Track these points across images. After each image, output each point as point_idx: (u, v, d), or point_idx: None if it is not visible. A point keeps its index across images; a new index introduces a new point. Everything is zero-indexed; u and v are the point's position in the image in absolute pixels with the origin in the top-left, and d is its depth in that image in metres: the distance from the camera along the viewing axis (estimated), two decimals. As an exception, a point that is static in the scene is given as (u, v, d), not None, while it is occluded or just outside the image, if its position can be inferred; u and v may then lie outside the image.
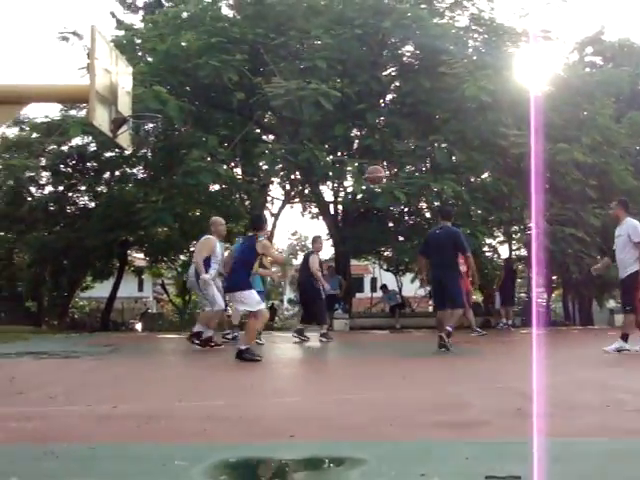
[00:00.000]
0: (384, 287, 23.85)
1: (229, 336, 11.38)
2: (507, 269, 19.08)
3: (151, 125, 12.69)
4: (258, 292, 10.90)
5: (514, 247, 24.34)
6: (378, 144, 17.93)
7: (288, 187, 22.79)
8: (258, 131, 21.15)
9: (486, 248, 20.65)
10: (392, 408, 4.80)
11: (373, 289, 33.98)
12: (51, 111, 26.09)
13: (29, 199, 22.45)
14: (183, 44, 17.83)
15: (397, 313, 21.06)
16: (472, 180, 19.94)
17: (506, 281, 18.55)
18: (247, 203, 20.85)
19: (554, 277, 24.33)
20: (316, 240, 13.12)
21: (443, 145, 18.04)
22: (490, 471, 2.92)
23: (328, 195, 21.48)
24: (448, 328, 9.42)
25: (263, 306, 8.91)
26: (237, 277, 8.81)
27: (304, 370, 7.60)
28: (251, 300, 8.60)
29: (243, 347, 8.35)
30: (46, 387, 5.96)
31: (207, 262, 10.13)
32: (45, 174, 22.21)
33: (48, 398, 5.21)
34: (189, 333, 10.48)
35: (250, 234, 9.32)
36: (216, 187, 19.81)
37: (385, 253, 24.00)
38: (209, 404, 5.02)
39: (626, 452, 3.43)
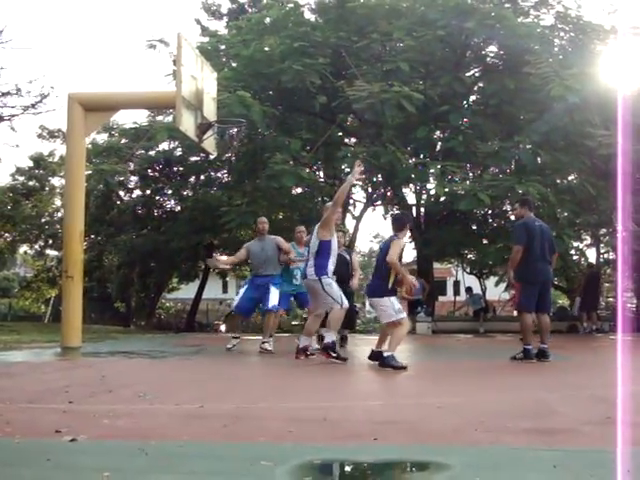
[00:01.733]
0: (469, 290, 23.59)
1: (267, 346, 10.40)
2: (589, 274, 18.77)
3: (235, 130, 12.88)
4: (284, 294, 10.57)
5: (602, 250, 23.77)
6: (461, 146, 17.77)
7: (370, 190, 22.80)
8: (340, 134, 21.23)
9: (573, 251, 20.19)
10: (477, 413, 4.75)
11: (456, 292, 33.68)
12: (139, 117, 26.88)
13: (118, 203, 23.18)
14: (266, 49, 18.08)
15: (481, 317, 20.82)
16: (558, 182, 19.54)
17: (588, 286, 18.25)
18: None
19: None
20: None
21: (528, 146, 17.73)
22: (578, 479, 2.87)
23: (410, 198, 21.41)
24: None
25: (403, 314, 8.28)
26: (372, 282, 8.63)
27: (386, 373, 7.59)
28: (392, 308, 8.11)
29: (387, 354, 7.93)
30: (135, 385, 6.13)
31: (325, 251, 8.84)
32: (133, 178, 22.89)
33: (137, 396, 5.34)
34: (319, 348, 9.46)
35: (392, 234, 8.71)
36: (299, 190, 19.99)
37: (468, 256, 23.78)
38: (293, 405, 5.07)
39: None
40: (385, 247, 8.38)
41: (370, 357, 8.34)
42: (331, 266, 8.73)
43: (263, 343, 10.26)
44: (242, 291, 10.67)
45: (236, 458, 3.39)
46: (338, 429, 4.16)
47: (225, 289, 43.86)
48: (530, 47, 17.68)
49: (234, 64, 19.48)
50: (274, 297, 10.27)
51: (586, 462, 3.35)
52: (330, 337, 8.61)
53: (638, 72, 18.17)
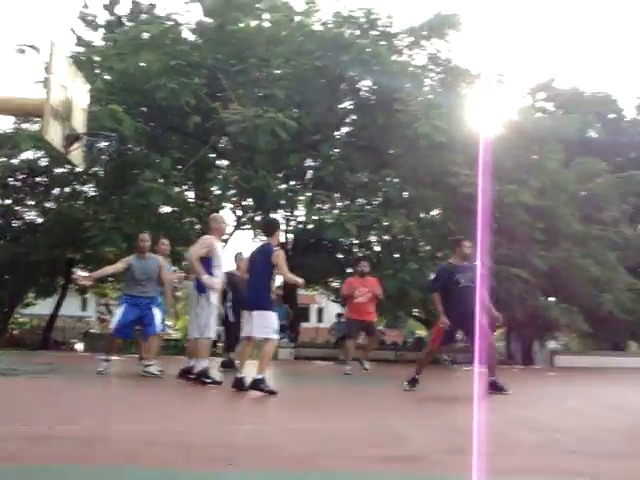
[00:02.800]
0: (340, 315, 24.00)
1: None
2: None
3: (105, 143, 12.55)
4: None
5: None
6: (331, 176, 18.07)
7: (240, 213, 22.78)
8: (212, 156, 21.13)
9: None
10: (330, 438, 4.82)
11: (319, 319, 34.02)
12: (3, 123, 25.79)
13: (-25, 212, 22.06)
14: (142, 64, 17.82)
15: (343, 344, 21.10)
16: (422, 216, 20.18)
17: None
18: (197, 227, 20.75)
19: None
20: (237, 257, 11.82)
21: (395, 180, 18.28)
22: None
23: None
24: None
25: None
26: (258, 294, 8.03)
27: (245, 399, 7.57)
28: (271, 324, 7.91)
29: (259, 377, 7.72)
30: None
31: (205, 268, 8.60)
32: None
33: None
34: (179, 371, 9.24)
35: (264, 243, 8.47)
36: (167, 209, 19.71)
37: (333, 284, 24.08)
38: (147, 428, 4.96)
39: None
40: (262, 256, 8.13)
41: (236, 385, 7.99)
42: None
43: (147, 366, 9.92)
44: (120, 312, 9.86)
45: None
46: (192, 453, 4.11)
47: (84, 307, 42.57)
48: (402, 85, 18.26)
49: (108, 77, 19.05)
50: (158, 319, 9.98)
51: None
52: (201, 364, 8.60)
53: (501, 116, 19.16)
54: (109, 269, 10.75)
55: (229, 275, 11.06)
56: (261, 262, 8.11)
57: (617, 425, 6.40)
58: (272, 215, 20.65)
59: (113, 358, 9.92)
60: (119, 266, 10.29)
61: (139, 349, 10.94)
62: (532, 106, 26.74)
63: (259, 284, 8.08)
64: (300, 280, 8.48)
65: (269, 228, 8.59)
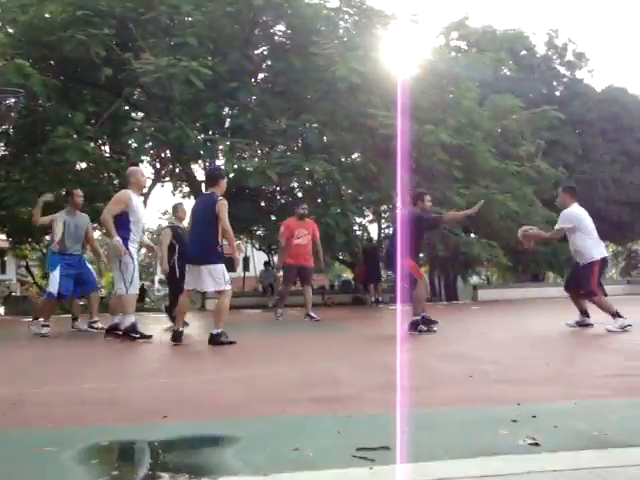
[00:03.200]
0: (267, 264, 24.20)
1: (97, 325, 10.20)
2: (367, 249, 19.99)
3: (13, 100, 12.13)
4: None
5: (383, 226, 25.00)
6: (250, 123, 17.87)
7: (158, 166, 22.42)
8: (127, 108, 20.61)
9: (356, 227, 21.07)
10: (264, 385, 4.87)
11: (245, 268, 34.01)
12: None
13: None
14: (47, 16, 17.14)
15: (269, 292, 21.27)
16: (343, 160, 20.22)
17: (368, 260, 19.42)
18: (116, 182, 20.32)
19: (421, 254, 25.11)
20: (177, 209, 11.56)
21: (314, 125, 18.23)
22: (361, 443, 3.03)
23: (200, 174, 21.26)
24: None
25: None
26: (205, 247, 7.76)
27: (176, 351, 7.56)
28: (222, 276, 7.77)
29: (216, 331, 7.69)
30: None
31: (122, 224, 8.35)
32: None
33: None
34: (105, 329, 9.16)
35: (207, 192, 8.26)
36: (83, 165, 19.24)
37: (257, 232, 24.05)
38: (79, 388, 4.92)
39: (487, 419, 3.63)
40: (205, 207, 7.89)
41: (175, 338, 7.88)
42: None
43: (94, 322, 10.11)
44: (58, 273, 9.48)
45: (18, 445, 3.25)
46: (127, 409, 4.10)
47: (3, 269, 41.51)
48: (316, 28, 18.10)
49: (10, 30, 18.30)
50: (94, 275, 10.10)
51: (368, 426, 3.54)
52: (128, 320, 8.50)
53: (416, 57, 19.23)
54: (45, 219, 10.12)
55: (173, 228, 10.87)
56: (205, 212, 7.84)
57: (538, 353, 6.66)
58: (192, 165, 20.47)
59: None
60: (47, 219, 9.98)
61: (73, 309, 10.78)
62: (446, 45, 26.97)
63: (205, 237, 7.79)
64: (237, 254, 8.29)
65: (212, 177, 8.40)
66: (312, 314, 12.09)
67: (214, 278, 7.72)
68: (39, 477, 2.68)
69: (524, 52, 30.18)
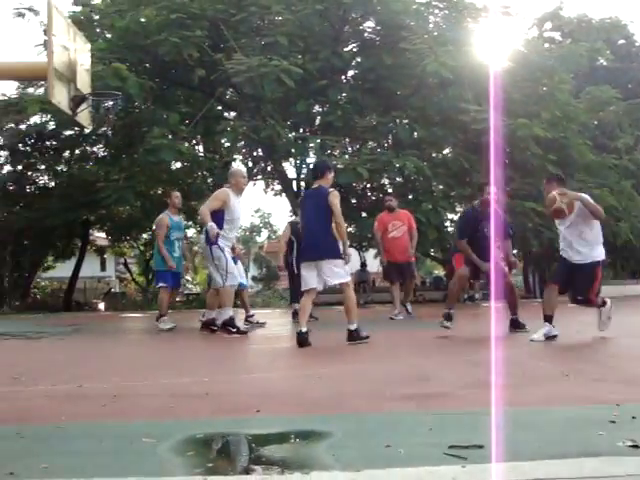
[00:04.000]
0: (363, 265, 24.32)
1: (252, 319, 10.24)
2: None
3: (111, 103, 12.49)
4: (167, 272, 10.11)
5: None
6: (340, 120, 17.92)
7: (250, 164, 22.73)
8: (220, 108, 20.99)
9: (448, 223, 20.85)
10: (356, 381, 4.87)
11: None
12: (8, 89, 25.73)
13: (-13, 179, 22.12)
14: (142, 20, 17.61)
15: (362, 289, 21.31)
16: (434, 156, 20.06)
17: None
18: (209, 181, 20.73)
19: (515, 251, 24.65)
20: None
21: (405, 121, 18.11)
22: (454, 441, 3.00)
23: (291, 172, 21.46)
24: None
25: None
26: (323, 241, 7.44)
27: (272, 346, 7.65)
28: (343, 269, 7.52)
29: (353, 327, 7.35)
30: (10, 368, 5.93)
31: (217, 220, 8.51)
32: (3, 153, 21.86)
33: (12, 379, 5.19)
34: (201, 322, 9.31)
35: (315, 186, 7.81)
36: (178, 165, 19.70)
37: (348, 229, 24.10)
38: (175, 382, 5.04)
39: (584, 419, 3.53)
40: (317, 201, 7.57)
41: (300, 342, 7.27)
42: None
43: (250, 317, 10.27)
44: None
45: (117, 437, 3.35)
46: (220, 403, 4.17)
47: (103, 267, 42.87)
48: (406, 23, 18.00)
49: (109, 35, 18.89)
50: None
51: (461, 424, 3.50)
52: (226, 313, 8.62)
53: (508, 49, 18.85)
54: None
55: (293, 224, 10.99)
56: (317, 207, 7.56)
57: (637, 352, 6.44)
58: (283, 163, 20.66)
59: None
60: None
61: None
62: (539, 37, 26.34)
63: (321, 232, 7.47)
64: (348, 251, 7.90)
65: (319, 170, 7.97)
66: (409, 307, 11.91)
67: (336, 271, 7.46)
68: (137, 468, 2.75)
69: (622, 41, 29.15)
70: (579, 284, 7.53)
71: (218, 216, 8.55)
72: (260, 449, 3.21)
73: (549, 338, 7.19)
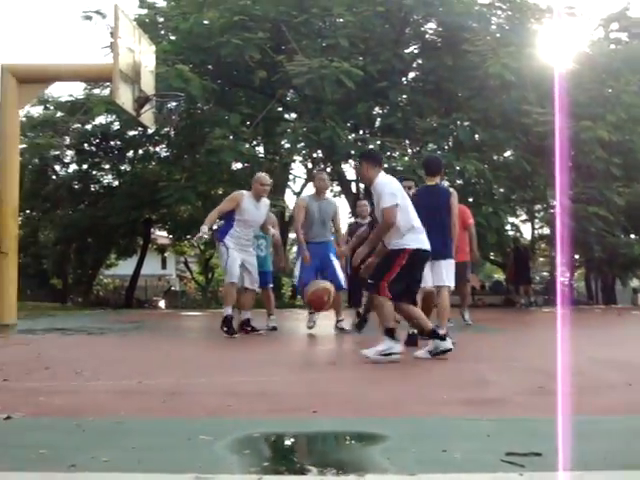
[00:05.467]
0: None
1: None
2: (517, 250, 19.38)
3: (174, 104, 12.69)
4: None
5: (537, 225, 24.31)
6: (400, 122, 17.89)
7: (310, 165, 22.82)
8: (280, 109, 21.15)
9: (508, 227, 20.61)
10: (414, 385, 4.85)
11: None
12: (75, 90, 26.33)
13: (54, 177, 22.68)
14: (205, 22, 17.84)
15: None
16: (495, 158, 19.86)
17: (518, 261, 18.83)
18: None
19: (577, 256, 24.25)
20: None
21: (466, 123, 17.97)
22: (511, 448, 2.96)
23: (350, 173, 21.47)
24: None
25: None
26: (444, 241, 7.31)
27: (326, 347, 7.67)
28: (452, 271, 7.47)
29: (442, 331, 6.72)
30: (72, 362, 6.06)
31: (227, 219, 8.76)
32: (69, 153, 22.41)
33: (74, 373, 5.29)
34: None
35: (432, 183, 7.56)
36: (238, 165, 19.89)
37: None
38: (232, 380, 5.08)
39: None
40: (438, 199, 7.40)
41: (409, 342, 6.99)
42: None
43: (339, 322, 9.51)
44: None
45: (175, 433, 3.39)
46: (277, 402, 4.19)
47: (164, 265, 43.53)
48: (468, 25, 17.85)
49: (173, 37, 19.19)
50: (340, 272, 9.37)
51: (519, 430, 3.45)
52: (225, 311, 8.69)
53: (573, 51, 18.54)
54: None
55: (354, 225, 10.55)
56: (439, 205, 7.38)
57: None
58: (343, 165, 20.67)
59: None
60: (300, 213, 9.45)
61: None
62: (605, 38, 25.76)
63: (442, 230, 7.30)
64: None
65: (435, 166, 7.66)
66: (466, 315, 11.05)
67: (450, 272, 7.40)
68: (194, 464, 2.78)
69: (691, 42, 28.36)
70: None
71: (230, 215, 8.73)
72: (316, 450, 3.22)
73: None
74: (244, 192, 8.93)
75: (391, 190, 6.21)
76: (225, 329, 8.58)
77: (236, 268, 8.59)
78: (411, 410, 3.96)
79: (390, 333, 6.02)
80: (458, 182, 18.82)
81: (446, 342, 6.21)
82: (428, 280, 7.27)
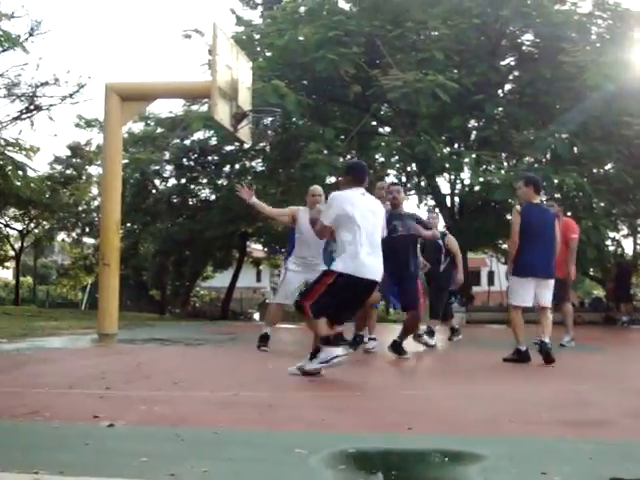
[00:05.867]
0: None
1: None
2: (619, 266, 18.79)
3: (270, 119, 12.89)
4: None
5: (639, 241, 23.52)
6: (496, 135, 17.66)
7: (404, 179, 22.75)
8: (374, 123, 21.19)
9: (609, 242, 19.99)
10: (512, 404, 4.74)
11: (490, 282, 33.47)
12: (174, 106, 27.18)
13: (154, 192, 23.36)
14: (301, 38, 18.07)
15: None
16: (594, 171, 19.32)
17: (620, 277, 18.27)
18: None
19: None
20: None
21: (564, 136, 17.56)
22: (615, 473, 2.86)
23: (445, 187, 21.31)
24: None
25: None
26: (552, 260, 7.48)
27: (423, 364, 7.60)
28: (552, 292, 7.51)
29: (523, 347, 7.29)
30: (171, 372, 6.20)
31: (291, 238, 8.68)
32: (169, 167, 23.06)
33: (173, 383, 5.41)
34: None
35: (537, 201, 7.61)
36: (332, 179, 20.00)
37: (503, 246, 23.60)
38: (328, 394, 5.10)
39: None
40: (549, 219, 7.53)
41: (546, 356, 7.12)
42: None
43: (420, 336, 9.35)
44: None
45: (271, 446, 3.43)
46: (372, 418, 4.18)
47: (259, 278, 44.06)
48: (567, 35, 17.48)
49: (269, 53, 19.51)
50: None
51: (623, 454, 3.33)
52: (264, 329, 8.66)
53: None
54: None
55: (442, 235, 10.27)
56: (546, 224, 7.46)
57: None
58: (437, 179, 20.53)
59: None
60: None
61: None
62: None
63: (551, 249, 7.47)
64: None
65: (540, 184, 7.81)
66: (566, 338, 9.94)
67: (551, 292, 7.48)
68: (289, 478, 2.80)
69: None
70: None
71: (292, 234, 8.61)
72: (411, 467, 3.20)
73: None
74: (300, 207, 8.77)
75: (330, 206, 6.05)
76: (262, 347, 8.49)
77: (289, 290, 8.34)
78: (508, 429, 3.88)
79: (327, 340, 5.84)
80: (556, 196, 18.41)
81: (339, 349, 5.91)
82: (528, 300, 7.30)
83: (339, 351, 5.87)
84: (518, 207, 7.53)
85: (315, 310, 5.81)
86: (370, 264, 5.88)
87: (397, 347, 7.83)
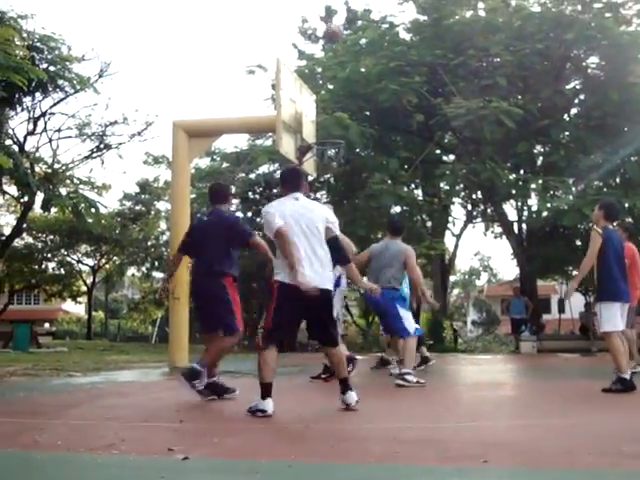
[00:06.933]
0: (588, 305, 22.95)
1: None
2: None
3: (334, 151, 12.97)
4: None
5: None
6: (563, 160, 17.42)
7: (470, 207, 22.59)
8: (438, 152, 21.13)
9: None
10: (589, 435, 4.61)
11: (561, 310, 32.76)
12: (239, 141, 27.60)
13: (221, 225, 23.65)
14: (362, 70, 18.22)
15: (591, 335, 20.12)
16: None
17: None
18: (428, 224, 20.81)
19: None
20: None
21: (633, 159, 17.20)
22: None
23: (511, 214, 21.06)
24: None
25: None
26: (627, 285, 7.49)
27: (492, 393, 7.46)
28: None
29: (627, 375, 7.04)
30: (243, 405, 6.21)
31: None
32: (235, 201, 23.31)
33: (245, 415, 5.43)
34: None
35: (611, 227, 7.54)
36: (397, 209, 19.98)
37: (573, 272, 23.12)
38: (399, 426, 5.04)
39: None
40: (619, 245, 7.48)
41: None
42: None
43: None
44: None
45: (344, 479, 3.41)
46: (445, 450, 4.11)
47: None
48: (634, 56, 17.20)
49: (331, 86, 19.71)
50: None
51: None
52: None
53: None
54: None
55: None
56: (619, 249, 7.43)
57: None
58: (504, 205, 20.29)
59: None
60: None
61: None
62: None
63: (626, 276, 7.47)
64: None
65: (613, 212, 7.72)
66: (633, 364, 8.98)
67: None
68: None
69: None
70: None
71: None
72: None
73: None
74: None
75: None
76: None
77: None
78: (587, 462, 3.76)
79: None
80: (627, 220, 18.01)
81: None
82: (620, 324, 7.18)
83: (263, 405, 5.43)
84: (599, 229, 7.34)
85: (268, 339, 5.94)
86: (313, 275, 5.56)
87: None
